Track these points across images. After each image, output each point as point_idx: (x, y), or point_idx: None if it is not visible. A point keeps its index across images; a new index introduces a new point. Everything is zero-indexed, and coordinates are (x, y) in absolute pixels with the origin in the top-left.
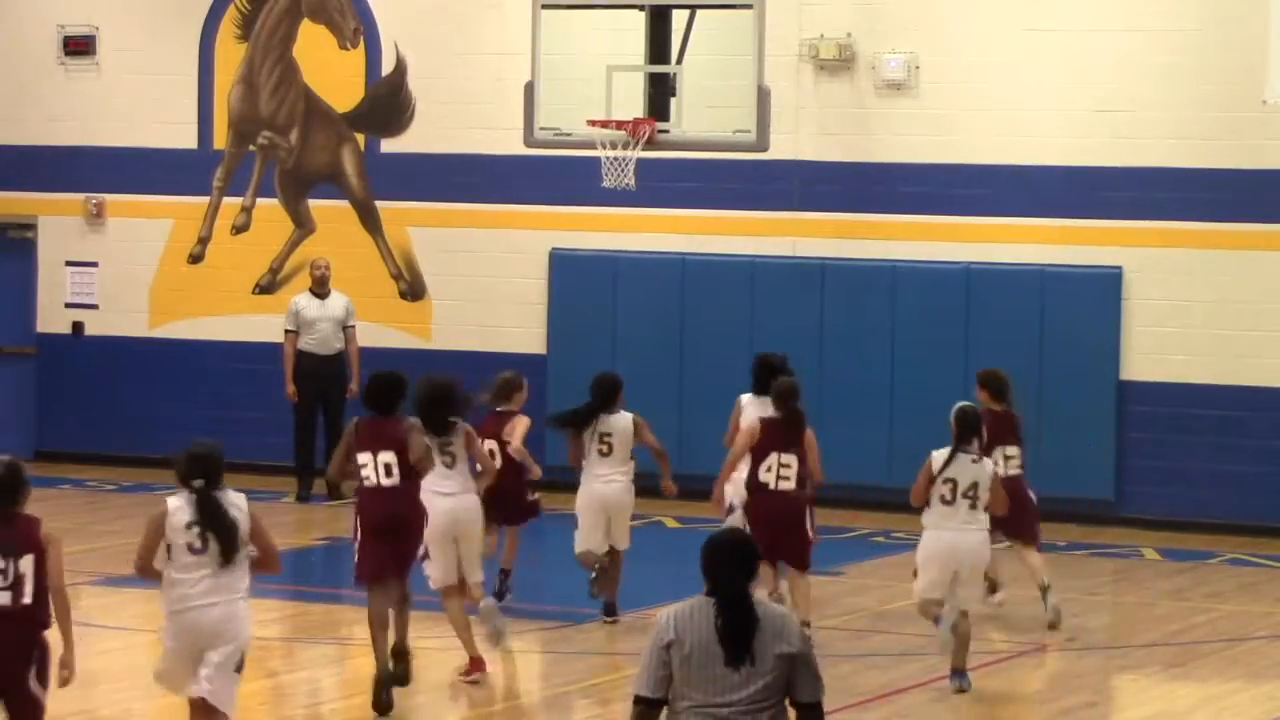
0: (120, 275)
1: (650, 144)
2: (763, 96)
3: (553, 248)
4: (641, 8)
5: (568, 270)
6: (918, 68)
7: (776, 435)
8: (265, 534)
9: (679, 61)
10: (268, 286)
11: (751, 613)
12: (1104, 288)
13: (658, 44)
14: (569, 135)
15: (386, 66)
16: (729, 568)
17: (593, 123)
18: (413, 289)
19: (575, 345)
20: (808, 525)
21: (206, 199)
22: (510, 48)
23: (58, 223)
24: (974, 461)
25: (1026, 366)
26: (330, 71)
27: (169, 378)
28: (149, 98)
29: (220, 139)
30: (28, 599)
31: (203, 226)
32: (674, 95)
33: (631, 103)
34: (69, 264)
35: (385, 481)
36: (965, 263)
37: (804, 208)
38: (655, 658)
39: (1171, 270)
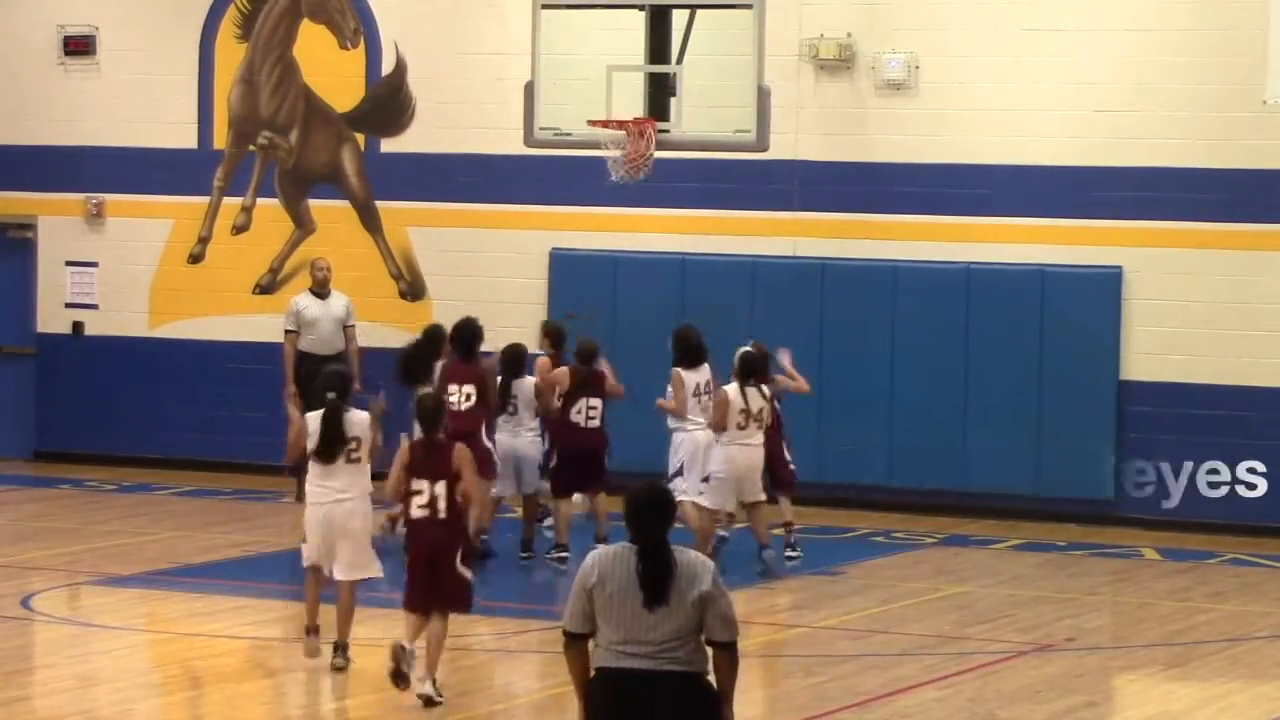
0: (120, 275)
1: (650, 144)
2: (763, 96)
3: (553, 248)
4: (641, 8)
5: (568, 270)
6: (918, 68)
7: (585, 384)
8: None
9: (679, 61)
10: (268, 286)
11: (668, 559)
12: (1104, 288)
13: (658, 44)
14: (569, 135)
15: (386, 66)
16: (647, 518)
17: (593, 123)
18: (413, 289)
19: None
20: (606, 458)
21: (206, 199)
22: (510, 48)
23: (58, 223)
24: (758, 391)
25: (1026, 366)
26: (330, 71)
27: (169, 378)
28: (149, 98)
29: (220, 139)
30: (442, 515)
31: (203, 226)
32: (674, 95)
33: (631, 103)
34: (69, 264)
35: (464, 405)
36: (965, 263)
37: (804, 208)
38: (580, 598)
39: (1171, 270)
